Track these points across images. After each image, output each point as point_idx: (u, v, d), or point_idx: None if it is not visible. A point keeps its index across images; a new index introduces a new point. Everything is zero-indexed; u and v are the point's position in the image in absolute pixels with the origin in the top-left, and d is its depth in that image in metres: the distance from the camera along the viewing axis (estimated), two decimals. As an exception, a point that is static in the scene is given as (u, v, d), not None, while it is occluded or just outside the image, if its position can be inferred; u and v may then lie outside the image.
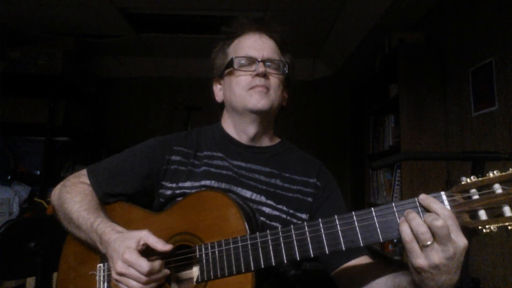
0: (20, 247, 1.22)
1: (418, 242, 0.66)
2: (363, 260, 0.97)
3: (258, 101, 0.99)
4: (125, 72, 4.28)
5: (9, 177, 2.80)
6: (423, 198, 0.68)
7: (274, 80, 1.03)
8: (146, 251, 0.84)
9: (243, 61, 1.02)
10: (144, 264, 0.80)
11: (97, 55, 3.95)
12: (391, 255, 2.65)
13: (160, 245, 0.83)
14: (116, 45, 3.68)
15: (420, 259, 0.65)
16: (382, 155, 2.95)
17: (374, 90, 3.24)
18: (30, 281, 2.31)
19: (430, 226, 0.64)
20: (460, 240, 0.64)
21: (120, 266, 0.81)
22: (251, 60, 1.02)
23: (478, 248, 2.07)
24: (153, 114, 4.47)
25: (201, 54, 3.77)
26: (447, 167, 2.38)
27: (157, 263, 0.83)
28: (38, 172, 3.01)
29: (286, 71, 1.05)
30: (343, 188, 4.41)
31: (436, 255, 0.64)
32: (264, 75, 1.00)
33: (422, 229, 0.64)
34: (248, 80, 1.01)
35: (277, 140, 1.14)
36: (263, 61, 1.01)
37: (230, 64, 1.03)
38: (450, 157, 1.85)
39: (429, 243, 0.64)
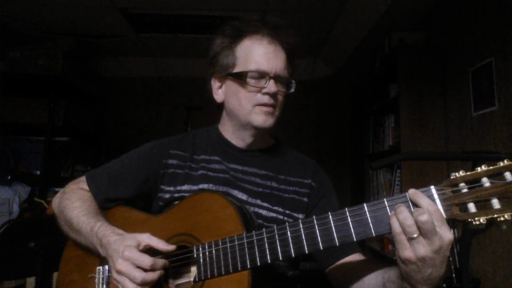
0: (20, 247, 1.22)
1: (405, 235, 0.67)
2: (356, 257, 0.99)
3: (264, 121, 0.98)
4: (125, 72, 4.29)
5: (9, 177, 2.80)
6: (412, 193, 0.70)
7: (280, 99, 1.01)
8: (147, 253, 0.85)
9: (254, 74, 0.98)
10: (146, 259, 0.81)
11: (97, 55, 3.96)
12: (391, 255, 2.64)
13: (163, 246, 0.84)
14: (116, 45, 3.68)
15: (407, 251, 0.67)
16: (382, 155, 2.95)
17: (374, 90, 3.24)
18: (30, 281, 2.31)
19: (416, 220, 0.66)
20: (445, 234, 0.66)
21: (120, 264, 0.82)
22: (262, 75, 0.98)
23: (478, 248, 2.07)
24: (153, 114, 4.47)
25: (201, 54, 3.77)
26: (447, 167, 2.38)
27: (160, 260, 0.84)
28: (38, 172, 3.00)
29: (293, 90, 1.02)
30: (343, 188, 4.41)
31: (423, 248, 0.66)
32: (274, 95, 0.98)
33: (408, 222, 0.66)
34: (258, 96, 0.98)
35: (272, 142, 1.14)
36: (275, 78, 0.97)
37: (240, 76, 0.98)
38: (450, 157, 1.85)
39: (415, 235, 0.66)
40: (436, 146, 2.42)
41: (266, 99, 0.97)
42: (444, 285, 1.97)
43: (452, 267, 1.95)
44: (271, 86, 0.96)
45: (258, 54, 0.98)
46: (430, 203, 0.67)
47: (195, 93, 4.24)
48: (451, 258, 2.00)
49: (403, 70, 2.50)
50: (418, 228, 0.66)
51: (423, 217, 0.65)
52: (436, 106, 2.46)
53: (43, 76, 3.03)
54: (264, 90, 0.96)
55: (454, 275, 1.90)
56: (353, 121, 4.40)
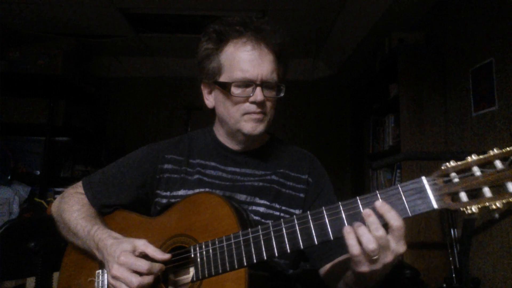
0: (20, 247, 1.22)
1: (365, 256, 0.69)
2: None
3: (253, 128, 0.96)
4: (125, 72, 4.28)
5: (9, 177, 2.80)
6: (379, 205, 0.69)
7: (270, 104, 0.98)
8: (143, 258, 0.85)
9: (239, 83, 0.94)
10: (143, 263, 0.82)
11: (97, 55, 3.95)
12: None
13: (159, 255, 0.85)
14: (116, 45, 3.68)
15: (363, 268, 0.71)
16: (382, 155, 2.95)
17: (374, 90, 3.25)
18: (30, 281, 2.31)
19: (373, 235, 0.68)
20: (400, 249, 0.69)
21: (115, 269, 0.82)
22: (248, 83, 0.94)
23: (478, 248, 2.07)
24: (153, 114, 4.47)
25: (201, 54, 3.77)
26: (447, 167, 2.38)
27: (157, 264, 0.84)
28: (38, 172, 3.00)
29: (283, 94, 0.98)
30: (343, 188, 4.41)
31: (378, 264, 0.70)
32: (262, 103, 0.94)
33: (372, 246, 0.67)
34: (245, 105, 0.95)
35: (267, 138, 1.13)
36: (261, 85, 0.94)
37: (225, 86, 0.95)
38: (450, 157, 1.85)
39: (376, 257, 0.68)
40: (436, 146, 2.42)
41: (253, 108, 0.95)
42: (444, 285, 1.98)
43: (452, 267, 1.96)
44: (257, 94, 0.93)
45: (243, 60, 0.94)
46: (396, 218, 0.68)
47: (195, 93, 4.22)
48: (451, 258, 2.00)
49: (403, 70, 2.50)
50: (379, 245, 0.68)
51: (379, 233, 0.68)
52: (436, 106, 2.46)
53: (43, 76, 3.02)
54: (251, 99, 0.94)
55: (454, 275, 1.91)
56: (353, 121, 4.40)
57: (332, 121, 4.49)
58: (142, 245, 0.85)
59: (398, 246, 0.69)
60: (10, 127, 3.04)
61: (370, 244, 0.67)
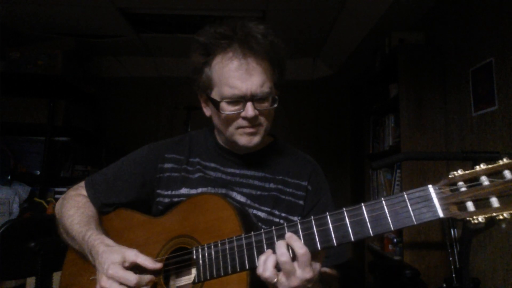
0: (20, 247, 1.22)
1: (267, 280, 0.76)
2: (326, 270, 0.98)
3: (248, 141, 0.96)
4: (125, 72, 4.28)
5: (9, 177, 2.80)
6: (288, 236, 0.76)
7: (264, 116, 0.96)
8: (136, 269, 0.85)
9: (229, 100, 0.93)
10: (131, 277, 0.82)
11: (97, 55, 3.96)
12: (391, 255, 2.65)
13: (150, 264, 0.85)
14: (116, 45, 3.68)
15: None
16: (382, 155, 2.95)
17: (374, 90, 3.24)
18: (30, 281, 2.31)
19: (278, 259, 0.74)
20: (305, 275, 0.74)
21: (104, 281, 0.82)
22: (238, 100, 0.92)
23: (478, 248, 2.07)
24: (153, 114, 4.47)
25: (201, 54, 3.76)
26: (447, 167, 2.39)
27: (146, 276, 0.84)
28: (38, 172, 3.00)
29: (276, 105, 0.96)
30: (343, 188, 4.41)
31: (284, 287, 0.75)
32: (254, 117, 0.93)
33: (267, 274, 0.75)
34: (238, 121, 0.95)
35: (269, 140, 1.12)
36: (252, 99, 0.92)
37: (216, 104, 0.95)
38: (450, 157, 1.85)
39: (275, 280, 0.75)
40: (436, 146, 2.42)
41: (246, 122, 0.94)
42: (444, 285, 1.98)
43: (452, 267, 1.95)
44: (248, 110, 0.91)
45: (230, 77, 0.91)
46: (301, 247, 0.74)
47: (195, 93, 4.23)
48: (451, 258, 2.00)
49: (403, 70, 2.50)
50: (281, 266, 0.74)
51: (283, 258, 0.74)
52: (436, 106, 2.46)
53: (43, 76, 3.02)
54: (242, 115, 0.93)
55: (454, 275, 1.90)
56: (353, 121, 4.41)
57: (332, 121, 4.50)
58: (133, 255, 0.85)
59: (303, 273, 0.74)
60: (10, 127, 3.04)
61: (266, 272, 0.75)
